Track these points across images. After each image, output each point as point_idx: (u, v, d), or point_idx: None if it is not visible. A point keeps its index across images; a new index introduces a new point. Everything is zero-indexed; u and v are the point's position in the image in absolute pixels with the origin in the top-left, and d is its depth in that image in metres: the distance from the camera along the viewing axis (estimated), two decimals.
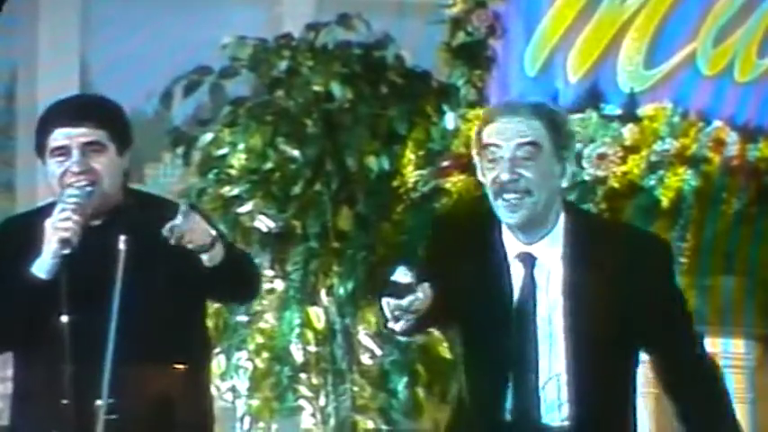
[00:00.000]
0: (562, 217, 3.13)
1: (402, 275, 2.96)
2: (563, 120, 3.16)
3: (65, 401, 3.33)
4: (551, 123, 3.10)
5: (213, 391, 5.20)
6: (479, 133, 3.13)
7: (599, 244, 3.09)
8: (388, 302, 2.95)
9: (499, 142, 3.07)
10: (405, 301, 2.93)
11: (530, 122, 3.08)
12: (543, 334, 3.09)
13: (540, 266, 3.11)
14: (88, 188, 3.33)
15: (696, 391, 3.15)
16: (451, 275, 3.08)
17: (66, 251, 3.25)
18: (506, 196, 3.06)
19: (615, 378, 3.10)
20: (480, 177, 3.16)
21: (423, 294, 2.94)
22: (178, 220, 3.26)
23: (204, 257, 3.32)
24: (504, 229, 3.14)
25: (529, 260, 3.10)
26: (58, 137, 3.33)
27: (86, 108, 3.43)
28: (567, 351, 3.06)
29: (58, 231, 3.26)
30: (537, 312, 3.10)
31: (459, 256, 3.14)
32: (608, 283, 3.05)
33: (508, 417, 3.11)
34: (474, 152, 3.16)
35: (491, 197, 3.10)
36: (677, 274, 3.29)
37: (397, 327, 2.98)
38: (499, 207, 3.08)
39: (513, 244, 3.13)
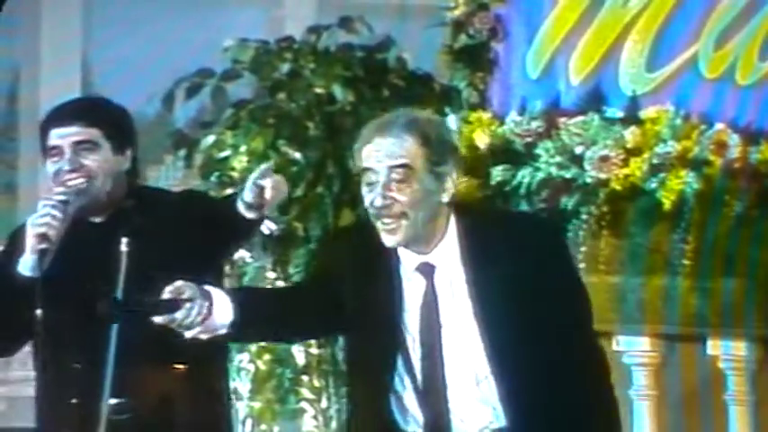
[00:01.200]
0: (452, 222, 3.10)
1: (170, 292, 2.99)
2: (438, 132, 3.11)
3: (73, 401, 3.39)
4: (424, 139, 3.04)
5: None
6: (358, 153, 3.10)
7: (491, 239, 3.07)
8: (162, 320, 3.00)
9: (373, 165, 3.04)
10: (178, 315, 2.99)
11: (401, 142, 3.03)
12: (456, 341, 3.06)
13: (441, 274, 3.08)
14: (79, 186, 3.39)
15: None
16: (342, 288, 3.10)
17: (43, 246, 3.29)
18: (384, 220, 3.03)
19: (545, 370, 3.02)
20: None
21: (200, 302, 2.98)
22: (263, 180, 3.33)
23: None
24: None
25: (428, 270, 3.07)
26: (53, 137, 3.42)
27: (79, 108, 3.51)
28: (487, 353, 3.02)
29: (35, 227, 3.32)
30: (442, 322, 3.06)
31: (351, 267, 3.13)
32: (508, 274, 3.01)
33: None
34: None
35: (372, 219, 3.07)
36: (569, 257, 3.23)
37: (190, 335, 3.03)
38: (379, 230, 3.05)
39: (409, 256, 3.09)
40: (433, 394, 3.06)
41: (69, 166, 3.39)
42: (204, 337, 3.05)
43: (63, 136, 3.41)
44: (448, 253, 3.08)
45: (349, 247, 3.18)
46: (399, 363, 3.07)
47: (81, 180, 3.40)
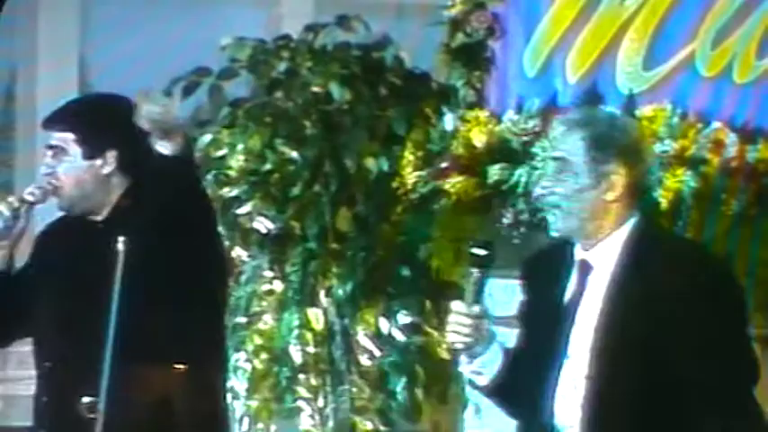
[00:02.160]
0: (626, 226, 3.13)
1: None
2: (607, 131, 3.14)
3: (45, 399, 3.46)
4: (590, 136, 3.10)
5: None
6: None
7: (652, 258, 3.08)
8: None
9: (543, 155, 3.23)
10: None
11: (566, 136, 3.12)
12: (579, 335, 3.10)
13: (595, 274, 3.13)
14: (45, 188, 3.50)
15: None
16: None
17: None
18: (545, 209, 3.14)
19: (642, 401, 3.03)
20: None
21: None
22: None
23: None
24: None
25: (585, 268, 3.13)
26: (48, 139, 3.55)
27: (61, 112, 3.58)
28: (592, 355, 3.07)
29: None
30: (576, 320, 3.11)
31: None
32: (656, 300, 3.02)
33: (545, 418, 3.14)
34: None
35: None
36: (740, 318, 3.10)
37: None
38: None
39: (578, 250, 3.17)
40: (550, 387, 3.11)
41: (44, 169, 3.52)
42: None
43: (48, 139, 3.54)
44: (608, 254, 3.11)
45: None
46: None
47: (50, 183, 3.50)
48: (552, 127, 3.22)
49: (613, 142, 3.12)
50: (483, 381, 3.16)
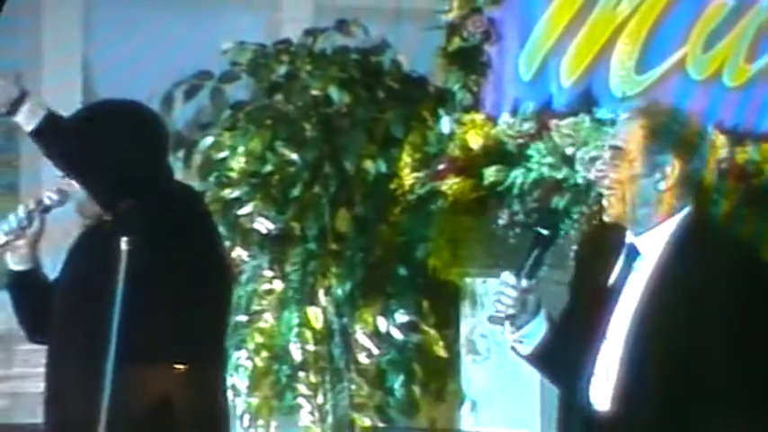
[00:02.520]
0: (679, 216, 3.16)
1: None
2: (668, 123, 3.18)
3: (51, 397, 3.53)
4: (649, 126, 3.16)
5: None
6: None
7: (697, 251, 3.11)
8: None
9: (604, 141, 3.31)
10: None
11: (626, 125, 3.20)
12: (619, 318, 3.15)
13: (641, 260, 3.17)
14: (62, 189, 3.56)
15: None
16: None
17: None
18: (602, 192, 3.22)
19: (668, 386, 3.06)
20: None
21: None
22: None
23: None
24: None
25: (632, 253, 3.18)
26: None
27: (78, 116, 3.60)
28: (627, 339, 3.11)
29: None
30: (620, 297, 3.16)
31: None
32: (697, 291, 3.06)
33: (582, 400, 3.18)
34: None
35: None
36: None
37: None
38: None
39: (628, 235, 3.22)
40: (588, 367, 3.15)
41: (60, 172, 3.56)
42: None
43: None
44: (657, 241, 3.15)
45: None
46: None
47: (70, 184, 3.54)
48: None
49: (671, 134, 3.16)
50: (525, 350, 3.21)
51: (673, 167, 3.14)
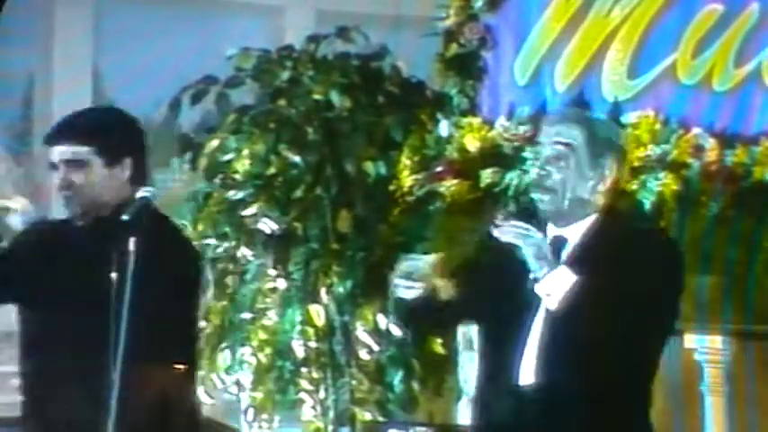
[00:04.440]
0: (597, 215, 3.28)
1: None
2: (604, 131, 3.32)
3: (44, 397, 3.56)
4: (590, 132, 3.27)
5: (218, 383, 5.38)
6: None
7: (617, 235, 3.23)
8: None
9: (542, 140, 3.32)
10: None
11: (570, 128, 3.28)
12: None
13: (568, 248, 3.27)
14: (66, 200, 3.58)
15: None
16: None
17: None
18: (538, 193, 3.27)
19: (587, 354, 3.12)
20: None
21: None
22: None
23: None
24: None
25: (559, 242, 3.27)
26: (53, 154, 3.58)
27: (73, 126, 3.59)
28: (554, 319, 3.19)
29: None
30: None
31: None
32: (613, 271, 3.14)
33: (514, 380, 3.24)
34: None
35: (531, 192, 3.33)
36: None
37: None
38: (535, 202, 3.31)
39: (551, 228, 3.32)
40: (520, 348, 3.21)
41: (61, 183, 3.55)
42: None
43: (58, 154, 3.56)
44: (580, 231, 3.27)
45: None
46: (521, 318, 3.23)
47: (66, 195, 3.55)
48: (550, 121, 3.34)
49: (609, 141, 3.30)
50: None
51: (611, 170, 3.27)
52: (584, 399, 3.15)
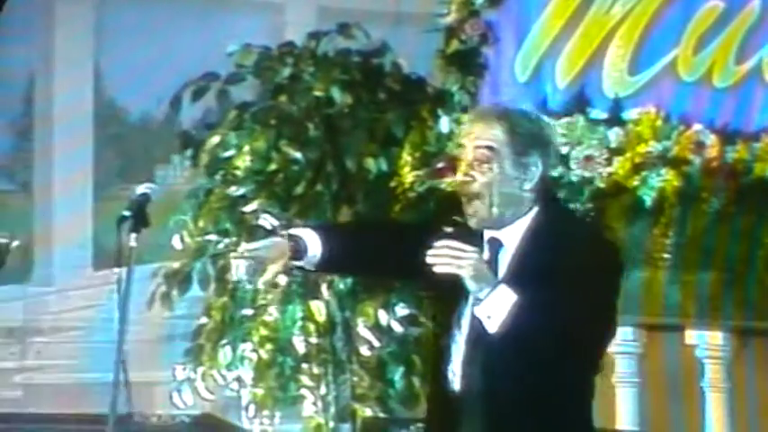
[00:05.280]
0: (534, 211, 3.19)
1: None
2: (527, 125, 3.20)
3: None
4: (512, 129, 3.16)
5: (219, 379, 5.39)
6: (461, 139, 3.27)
7: (552, 240, 3.15)
8: None
9: (464, 142, 3.21)
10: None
11: (490, 127, 3.16)
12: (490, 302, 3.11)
13: (506, 249, 3.19)
14: None
15: None
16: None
17: None
18: (465, 201, 3.18)
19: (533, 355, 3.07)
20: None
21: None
22: None
23: None
24: None
25: (496, 244, 3.18)
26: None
27: None
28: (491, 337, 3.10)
29: None
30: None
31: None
32: (552, 270, 3.09)
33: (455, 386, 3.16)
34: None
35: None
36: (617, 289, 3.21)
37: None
38: (465, 212, 3.20)
39: (486, 231, 3.25)
40: (473, 351, 3.13)
41: None
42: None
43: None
44: (516, 233, 3.17)
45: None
46: (459, 321, 3.16)
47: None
48: (469, 121, 3.24)
49: (532, 136, 3.19)
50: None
51: (537, 166, 3.17)
52: (523, 406, 3.10)
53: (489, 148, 3.15)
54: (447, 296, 3.19)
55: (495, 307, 3.05)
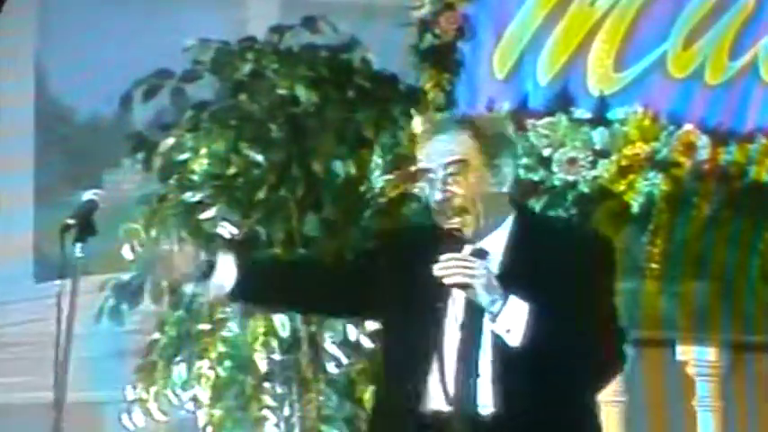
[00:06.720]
0: (512, 215, 3.23)
1: None
2: (491, 126, 3.26)
3: None
4: (477, 133, 3.18)
5: (173, 399, 5.32)
6: (418, 154, 3.24)
7: (539, 242, 3.19)
8: None
9: (430, 165, 3.18)
10: None
11: (455, 138, 3.17)
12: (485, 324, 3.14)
13: (491, 259, 3.18)
14: None
15: None
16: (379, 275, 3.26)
17: None
18: (448, 216, 3.15)
19: (546, 371, 3.08)
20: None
21: None
22: None
23: None
24: None
25: (481, 255, 3.16)
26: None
27: None
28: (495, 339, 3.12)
29: None
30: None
31: (402, 256, 3.27)
32: (543, 278, 3.12)
33: (445, 407, 3.14)
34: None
35: (436, 219, 3.20)
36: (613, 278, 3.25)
37: None
38: (446, 228, 3.17)
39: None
40: (463, 372, 3.13)
41: None
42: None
43: None
44: (499, 241, 3.19)
45: (403, 241, 3.33)
46: (434, 343, 3.17)
47: None
48: (428, 136, 3.22)
49: (499, 136, 3.24)
50: None
51: (509, 168, 3.20)
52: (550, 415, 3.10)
53: (461, 161, 3.16)
54: (409, 314, 3.20)
55: (512, 319, 3.08)
